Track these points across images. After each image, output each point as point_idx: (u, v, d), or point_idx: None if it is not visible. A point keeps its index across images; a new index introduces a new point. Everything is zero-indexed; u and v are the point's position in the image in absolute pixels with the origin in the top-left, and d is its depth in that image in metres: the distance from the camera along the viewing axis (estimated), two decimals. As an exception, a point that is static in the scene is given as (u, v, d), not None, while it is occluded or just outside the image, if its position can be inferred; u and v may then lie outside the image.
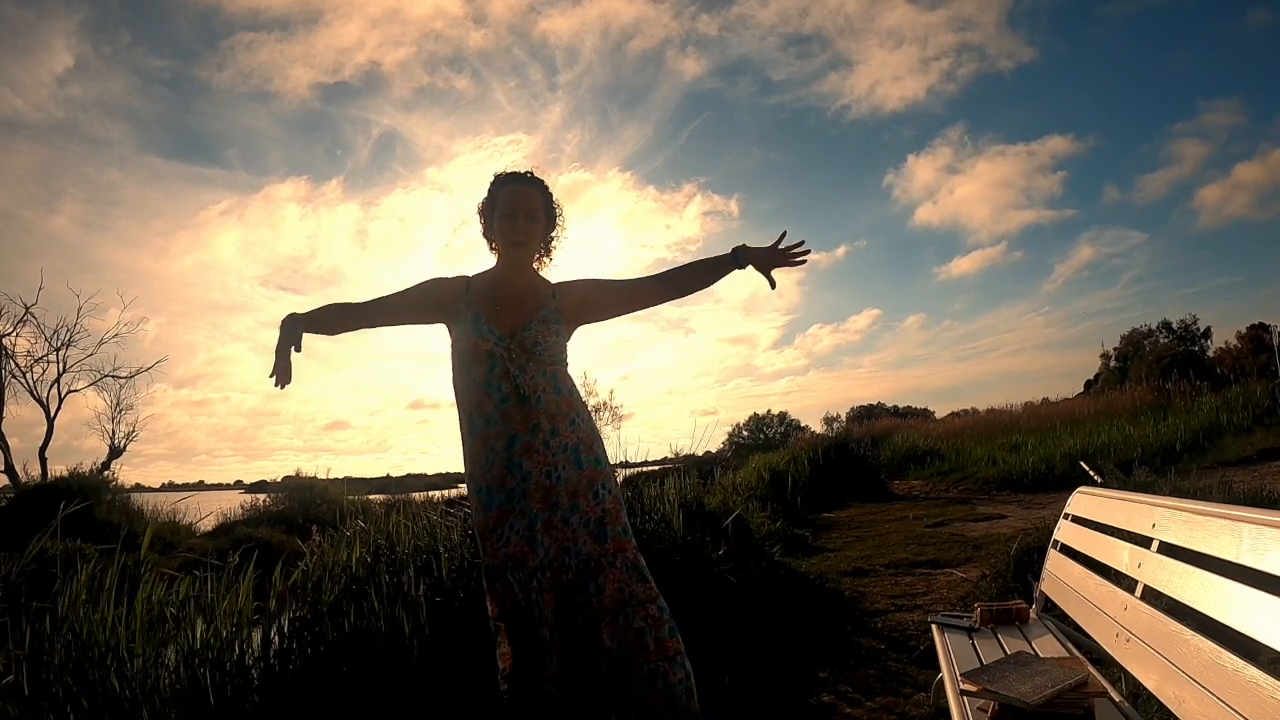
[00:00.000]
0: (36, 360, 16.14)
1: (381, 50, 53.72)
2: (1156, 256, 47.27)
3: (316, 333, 1.90)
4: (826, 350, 56.77)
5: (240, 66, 47.22)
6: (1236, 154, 42.14)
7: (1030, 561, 3.39)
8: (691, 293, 2.06)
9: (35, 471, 14.96)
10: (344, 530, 3.05)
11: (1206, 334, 27.11)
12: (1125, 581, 1.61)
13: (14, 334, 15.90)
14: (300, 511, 10.41)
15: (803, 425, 25.70)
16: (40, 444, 16.09)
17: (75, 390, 16.67)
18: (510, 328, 1.87)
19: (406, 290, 1.95)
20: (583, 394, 2.00)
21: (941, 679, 1.90)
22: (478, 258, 2.06)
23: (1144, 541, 1.54)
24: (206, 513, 10.86)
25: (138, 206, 47.59)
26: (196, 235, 50.52)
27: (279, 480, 14.20)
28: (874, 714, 2.40)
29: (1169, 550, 1.43)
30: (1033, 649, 1.87)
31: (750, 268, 1.98)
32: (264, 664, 2.23)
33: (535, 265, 2.03)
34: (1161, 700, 1.28)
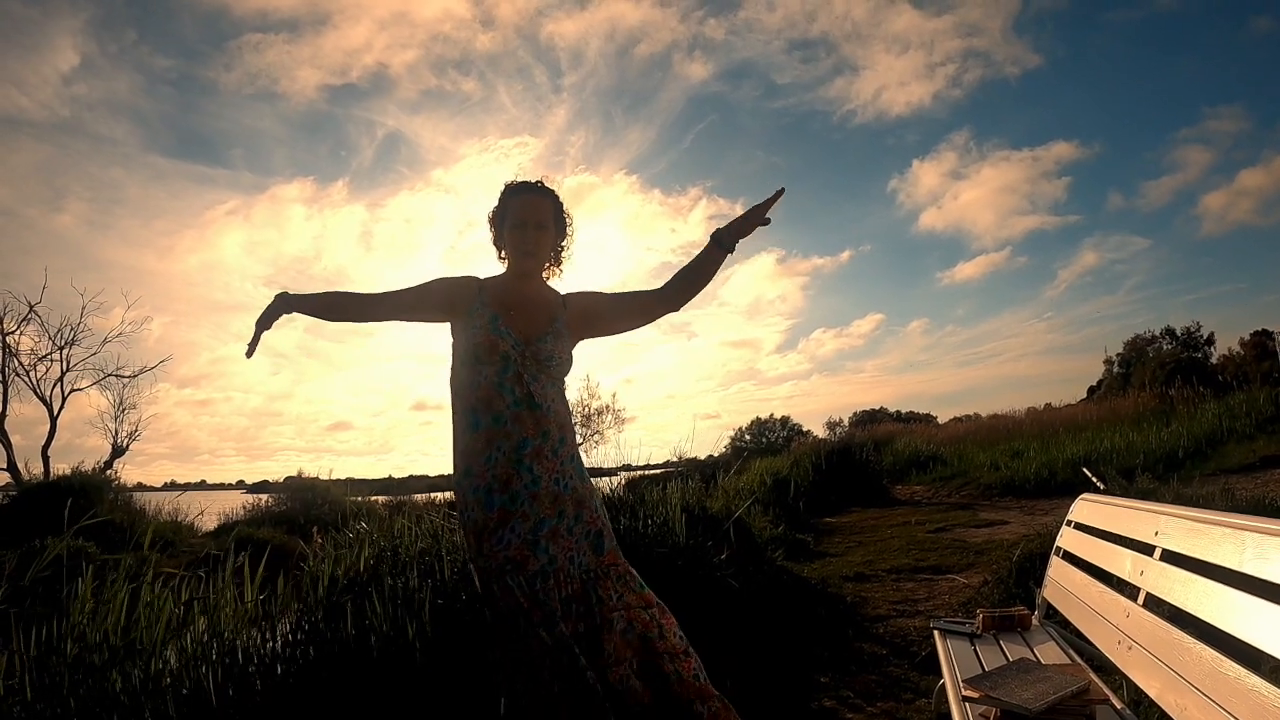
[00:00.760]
0: (40, 358, 16.17)
1: (389, 52, 54.10)
2: (1160, 262, 47.28)
3: (308, 314, 1.92)
4: (829, 354, 56.79)
5: (247, 67, 47.54)
6: (1240, 160, 42.23)
7: (1032, 568, 3.39)
8: (694, 296, 2.06)
9: (37, 469, 14.99)
10: (346, 532, 3.05)
11: (1210, 340, 27.02)
12: (1128, 589, 1.61)
13: (18, 332, 15.94)
14: (302, 512, 10.40)
15: (805, 429, 25.65)
16: (43, 442, 16.12)
17: (79, 389, 16.71)
18: (526, 335, 1.87)
19: (415, 287, 1.95)
20: (586, 396, 2.02)
21: (943, 685, 1.90)
22: (483, 260, 2.06)
23: (1146, 549, 1.54)
24: (207, 513, 10.85)
25: (142, 206, 47.72)
26: (201, 235, 50.67)
27: (281, 481, 14.20)
28: (875, 719, 2.40)
29: (1171, 558, 1.43)
30: (1035, 655, 1.87)
31: (738, 241, 1.97)
32: (267, 664, 2.23)
33: (545, 275, 2.03)
34: (1163, 708, 1.28)
